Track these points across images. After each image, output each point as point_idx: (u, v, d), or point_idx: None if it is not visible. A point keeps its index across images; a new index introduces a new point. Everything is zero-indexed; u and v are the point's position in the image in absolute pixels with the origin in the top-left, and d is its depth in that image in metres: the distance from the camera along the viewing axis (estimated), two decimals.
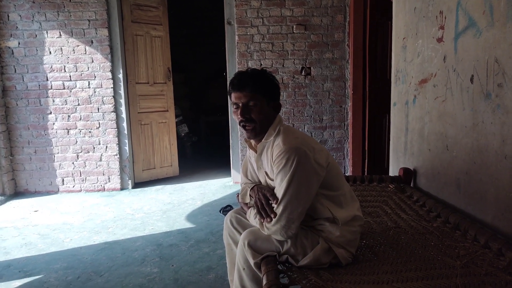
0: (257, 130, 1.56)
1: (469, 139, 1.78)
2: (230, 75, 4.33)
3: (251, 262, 1.49)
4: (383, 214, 2.05)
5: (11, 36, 4.17)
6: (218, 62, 6.25)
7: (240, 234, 1.63)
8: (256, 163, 1.66)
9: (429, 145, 2.22)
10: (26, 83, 4.23)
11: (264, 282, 1.35)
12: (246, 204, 1.72)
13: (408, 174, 2.44)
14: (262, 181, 1.68)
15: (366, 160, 4.03)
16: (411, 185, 2.47)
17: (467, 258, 1.47)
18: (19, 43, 4.19)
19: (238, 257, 1.57)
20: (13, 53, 4.20)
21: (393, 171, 2.81)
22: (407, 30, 2.50)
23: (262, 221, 1.52)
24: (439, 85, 2.06)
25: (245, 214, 1.71)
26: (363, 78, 4.00)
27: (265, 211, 1.51)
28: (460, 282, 1.30)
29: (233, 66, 4.34)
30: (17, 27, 4.17)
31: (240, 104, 1.54)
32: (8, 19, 4.15)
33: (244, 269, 1.55)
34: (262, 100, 1.53)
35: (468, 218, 1.77)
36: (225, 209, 3.33)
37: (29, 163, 4.31)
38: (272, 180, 1.55)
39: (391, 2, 2.83)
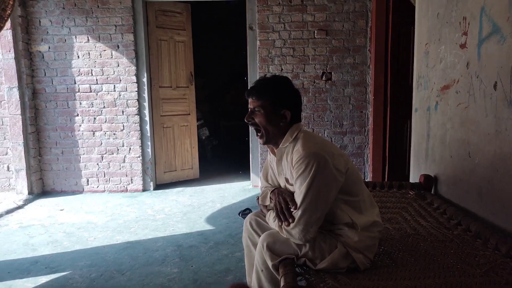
0: (264, 136, 1.60)
1: (492, 147, 1.76)
2: (250, 80, 4.38)
3: (269, 264, 1.52)
4: (402, 221, 2.03)
5: (42, 40, 4.34)
6: (239, 66, 6.31)
7: (259, 236, 1.66)
8: (276, 168, 1.69)
9: (451, 152, 2.19)
10: (55, 86, 4.39)
11: (282, 284, 1.37)
12: (266, 207, 1.75)
13: (429, 181, 2.42)
14: (282, 186, 1.70)
15: (387, 166, 3.99)
16: (432, 192, 2.44)
17: (487, 266, 1.45)
18: (49, 48, 4.35)
19: (256, 259, 1.60)
20: (43, 57, 4.36)
21: (414, 177, 2.78)
22: (430, 35, 2.49)
23: (280, 224, 1.54)
24: (462, 92, 2.04)
25: (265, 216, 1.74)
26: (385, 83, 3.98)
27: (283, 215, 1.54)
28: None
29: (254, 71, 4.39)
30: (47, 32, 4.33)
31: (249, 109, 1.61)
32: (40, 25, 4.32)
33: (262, 270, 1.58)
34: (268, 107, 1.57)
35: (489, 227, 1.74)
36: (244, 212, 3.36)
37: (56, 164, 4.46)
38: (292, 185, 1.57)
39: (414, 7, 2.81)
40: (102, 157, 4.44)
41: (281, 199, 1.57)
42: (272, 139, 1.62)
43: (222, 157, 6.18)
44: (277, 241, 1.54)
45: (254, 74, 4.37)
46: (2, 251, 2.92)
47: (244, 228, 1.87)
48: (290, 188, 1.60)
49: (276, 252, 1.52)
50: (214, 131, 6.48)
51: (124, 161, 4.43)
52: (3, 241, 3.11)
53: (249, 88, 1.63)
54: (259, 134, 1.62)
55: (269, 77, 1.65)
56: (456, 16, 2.11)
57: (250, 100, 1.60)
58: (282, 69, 4.32)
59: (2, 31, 3.83)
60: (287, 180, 1.62)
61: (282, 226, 1.52)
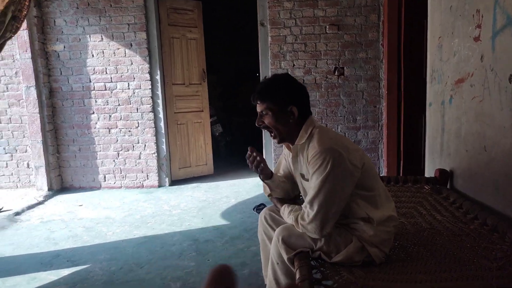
0: (277, 136, 1.64)
1: (508, 140, 1.75)
2: (262, 76, 4.40)
3: (285, 257, 1.54)
4: (417, 215, 2.04)
5: (57, 40, 4.42)
6: (251, 63, 6.32)
7: (274, 230, 1.68)
8: (292, 164, 1.72)
9: (466, 146, 2.19)
10: (71, 84, 4.47)
11: (297, 276, 1.39)
12: (279, 201, 1.78)
13: (444, 175, 2.41)
14: (298, 181, 1.73)
15: (402, 161, 3.97)
16: (448, 186, 2.44)
17: (504, 260, 1.45)
18: (64, 47, 4.43)
19: (272, 252, 1.63)
20: (59, 57, 4.45)
21: (429, 172, 2.78)
22: (443, 29, 2.47)
23: (296, 218, 1.56)
24: (476, 85, 2.03)
25: (279, 211, 1.77)
26: (398, 77, 3.95)
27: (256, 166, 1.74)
28: (495, 284, 1.29)
29: (266, 67, 4.40)
30: (62, 32, 4.41)
31: (258, 113, 1.65)
32: (55, 24, 4.40)
33: (277, 263, 1.60)
34: (274, 108, 1.59)
35: (506, 220, 1.74)
36: (259, 207, 3.39)
37: (74, 160, 4.56)
38: (307, 181, 1.59)
39: (426, 1, 2.79)
40: (118, 153, 4.52)
41: (249, 159, 1.74)
42: (286, 138, 1.64)
43: (235, 153, 6.18)
44: (292, 234, 1.56)
45: (266, 70, 4.38)
46: (25, 245, 3.02)
47: (259, 222, 1.89)
48: (306, 183, 1.63)
49: (291, 245, 1.55)
50: (227, 128, 6.51)
51: (139, 158, 4.50)
52: (26, 236, 3.21)
53: (254, 93, 1.64)
54: (272, 134, 1.65)
55: (270, 78, 1.67)
56: (469, 9, 2.09)
57: (256, 104, 1.63)
58: (294, 65, 4.33)
59: (19, 32, 3.91)
60: (303, 176, 1.65)
61: (298, 221, 1.54)
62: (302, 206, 1.56)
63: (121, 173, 4.54)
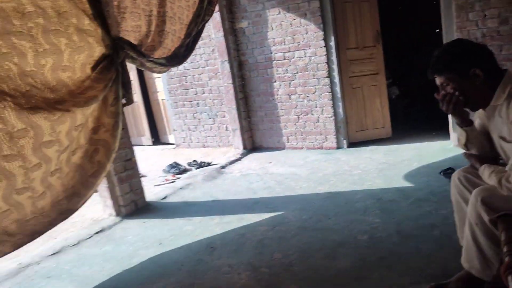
0: (469, 104, 1.58)
1: None
2: (446, 32, 4.03)
3: (485, 218, 1.49)
4: None
5: (242, 18, 5.00)
6: (431, 19, 5.78)
7: (470, 192, 1.63)
8: (489, 126, 1.65)
9: None
10: (256, 56, 5.03)
11: (502, 238, 1.33)
12: (477, 160, 1.70)
13: None
14: (496, 144, 1.64)
15: None
16: None
17: None
18: (248, 23, 4.98)
19: (469, 213, 1.59)
20: (244, 33, 5.04)
21: None
22: None
23: (496, 174, 1.48)
24: None
25: (475, 172, 1.70)
26: None
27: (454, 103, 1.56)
28: None
29: (450, 21, 3.98)
30: (246, 10, 4.95)
31: (439, 86, 1.60)
32: (239, 4, 4.96)
33: (477, 224, 1.55)
34: (453, 77, 1.53)
35: None
36: (446, 172, 3.22)
37: (262, 124, 5.21)
38: (509, 143, 1.51)
39: None
40: (298, 117, 4.94)
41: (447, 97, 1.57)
42: (478, 102, 1.58)
43: (415, 116, 5.87)
44: (493, 195, 1.49)
45: (449, 25, 3.97)
46: (232, 192, 3.75)
47: (452, 184, 1.84)
48: (508, 146, 1.54)
49: (492, 206, 1.48)
50: (405, 90, 6.19)
51: (318, 121, 4.82)
52: (231, 185, 3.96)
53: (429, 68, 1.61)
54: (464, 106, 1.60)
55: (440, 49, 1.61)
56: None
57: (434, 78, 1.61)
58: (485, 15, 3.78)
59: (213, 14, 4.58)
60: (503, 138, 1.55)
61: (502, 183, 1.46)
62: (506, 168, 1.49)
63: (301, 135, 4.97)
